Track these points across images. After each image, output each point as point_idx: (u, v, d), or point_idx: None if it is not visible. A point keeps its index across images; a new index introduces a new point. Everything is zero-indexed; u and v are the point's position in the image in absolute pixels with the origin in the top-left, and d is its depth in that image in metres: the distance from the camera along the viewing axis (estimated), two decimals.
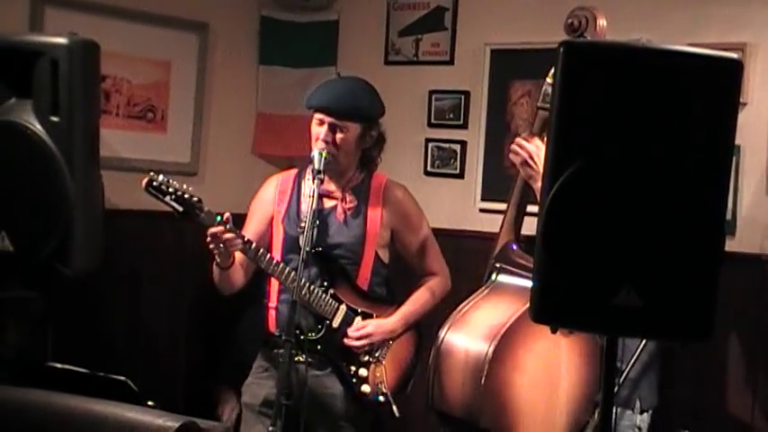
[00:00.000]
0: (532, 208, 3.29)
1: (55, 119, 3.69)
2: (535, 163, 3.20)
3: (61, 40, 3.73)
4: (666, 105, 2.23)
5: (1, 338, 4.13)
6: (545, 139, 3.24)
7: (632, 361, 3.19)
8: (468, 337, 3.18)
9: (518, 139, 3.29)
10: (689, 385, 4.22)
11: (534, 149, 3.22)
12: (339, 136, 3.63)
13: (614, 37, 4.03)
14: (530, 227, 3.35)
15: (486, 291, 3.30)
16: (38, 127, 3.69)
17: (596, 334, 2.98)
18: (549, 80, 3.22)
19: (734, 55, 2.27)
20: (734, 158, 3.95)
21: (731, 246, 4.15)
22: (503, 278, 3.31)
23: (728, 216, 4.08)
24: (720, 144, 2.24)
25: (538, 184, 3.19)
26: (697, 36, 4.19)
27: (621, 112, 2.24)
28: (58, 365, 2.95)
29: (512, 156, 3.29)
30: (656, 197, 2.21)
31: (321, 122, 3.64)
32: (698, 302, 2.22)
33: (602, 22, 3.19)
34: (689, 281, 2.21)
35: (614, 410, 2.50)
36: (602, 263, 2.23)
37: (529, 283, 3.19)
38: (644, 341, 3.08)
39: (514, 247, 3.34)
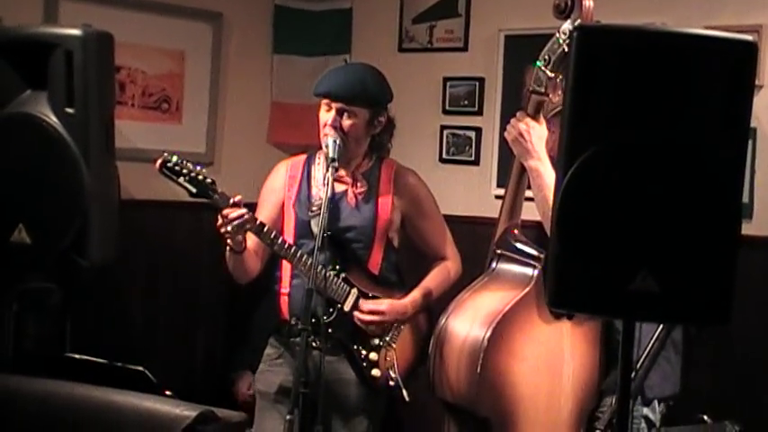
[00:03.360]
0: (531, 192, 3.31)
1: (70, 110, 3.70)
2: (525, 140, 3.18)
3: (75, 32, 3.73)
4: (681, 89, 2.22)
5: (20, 330, 4.15)
6: (540, 120, 3.24)
7: (647, 350, 3.17)
8: (465, 324, 3.18)
9: (512, 119, 3.27)
10: (707, 372, 4.21)
11: (525, 127, 3.19)
12: (347, 122, 3.62)
13: (629, 20, 4.04)
14: (529, 211, 3.37)
15: (486, 278, 3.29)
16: (53, 119, 3.70)
17: (609, 319, 2.98)
18: (539, 64, 3.20)
19: (749, 37, 2.25)
20: (749, 141, 3.92)
21: (748, 229, 4.13)
22: (502, 265, 3.30)
23: (745, 199, 4.06)
24: (736, 127, 2.23)
25: (528, 162, 3.17)
26: (712, 18, 4.17)
27: (636, 97, 2.23)
28: (77, 356, 2.97)
29: (505, 134, 3.28)
30: (672, 181, 2.20)
31: (329, 108, 3.64)
32: (715, 286, 2.21)
33: (588, 2, 3.16)
34: (706, 265, 2.20)
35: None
36: (618, 248, 2.22)
37: (527, 270, 3.23)
38: (658, 328, 3.05)
39: (515, 232, 3.32)
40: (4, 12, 4.32)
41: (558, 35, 3.16)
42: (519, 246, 3.31)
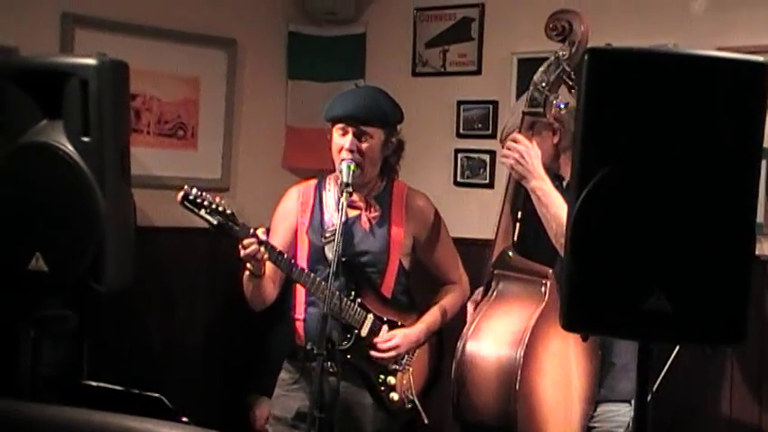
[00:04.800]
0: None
1: (86, 139, 3.72)
2: (527, 162, 3.20)
3: (90, 61, 3.76)
4: (694, 110, 2.22)
5: (37, 357, 4.16)
6: (532, 141, 3.26)
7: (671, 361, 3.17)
8: (492, 345, 3.16)
9: (508, 142, 3.30)
10: (719, 388, 4.20)
11: (524, 148, 3.22)
12: (365, 144, 3.63)
13: (641, 42, 4.05)
14: None
15: (492, 299, 3.28)
16: (69, 147, 3.72)
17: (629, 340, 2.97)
18: (535, 84, 3.24)
19: (760, 58, 2.26)
20: (763, 161, 3.91)
21: (763, 249, 4.13)
22: (505, 284, 3.30)
23: (759, 218, 4.05)
24: (748, 147, 2.23)
25: (531, 183, 3.20)
26: (724, 40, 4.17)
27: (648, 118, 2.23)
28: (94, 383, 2.98)
29: (502, 159, 3.30)
30: (685, 202, 2.20)
31: (344, 132, 3.64)
32: (730, 306, 2.20)
33: (583, 26, 3.21)
34: (720, 284, 2.20)
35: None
36: (632, 268, 2.22)
37: (534, 286, 3.24)
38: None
39: (511, 253, 3.33)
40: (21, 41, 4.36)
41: (553, 57, 3.22)
42: (520, 264, 3.31)
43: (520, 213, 3.30)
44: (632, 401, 3.23)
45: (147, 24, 4.87)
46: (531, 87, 3.27)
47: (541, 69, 3.26)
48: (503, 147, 3.37)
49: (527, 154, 3.21)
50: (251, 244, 3.47)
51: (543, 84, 3.24)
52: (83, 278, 3.75)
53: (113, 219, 3.75)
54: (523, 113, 3.30)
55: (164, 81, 5.01)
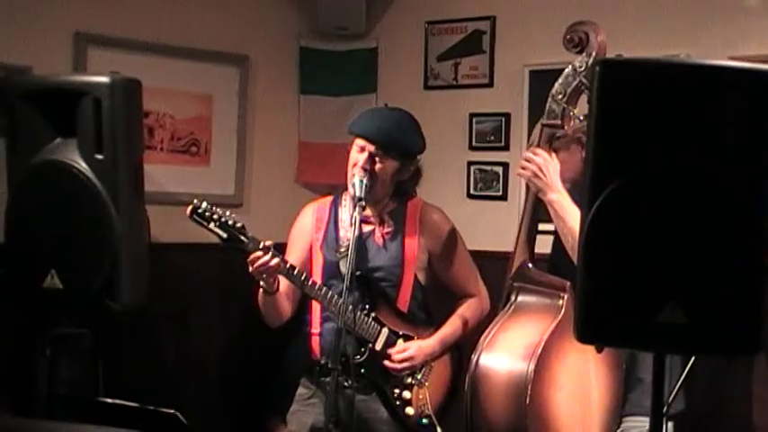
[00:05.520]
0: (545, 226, 3.31)
1: (99, 157, 3.74)
2: (545, 175, 3.21)
3: (103, 80, 3.78)
4: (706, 120, 2.22)
5: (53, 375, 4.17)
6: (551, 154, 3.26)
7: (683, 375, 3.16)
8: (504, 359, 3.16)
9: (526, 154, 3.30)
10: (739, 400, 4.18)
11: (542, 161, 3.23)
12: (378, 166, 3.64)
13: (653, 53, 4.05)
14: (541, 245, 3.37)
15: (509, 312, 3.28)
16: (83, 165, 3.74)
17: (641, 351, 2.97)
18: (553, 96, 3.25)
19: None
20: None
21: None
22: (523, 297, 3.29)
23: None
24: (762, 157, 2.22)
25: (549, 196, 3.21)
26: (736, 49, 4.17)
27: (661, 129, 2.23)
28: (109, 400, 2.98)
29: (520, 171, 3.30)
30: (699, 212, 2.20)
31: (362, 149, 3.65)
32: (744, 317, 2.20)
33: (601, 37, 3.21)
34: (734, 295, 2.19)
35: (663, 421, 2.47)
36: (645, 280, 2.22)
37: (551, 300, 3.23)
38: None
39: (530, 265, 3.33)
40: (34, 60, 4.38)
41: (570, 68, 3.21)
42: (538, 277, 3.30)
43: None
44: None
45: (160, 42, 4.89)
46: (549, 99, 3.28)
47: (559, 81, 3.26)
48: None
49: (545, 167, 3.21)
50: (259, 257, 3.47)
51: (560, 96, 3.24)
52: (97, 295, 3.77)
53: (127, 236, 3.76)
54: (542, 125, 3.30)
55: (176, 98, 5.02)
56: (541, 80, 4.88)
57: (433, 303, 3.88)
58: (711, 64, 2.27)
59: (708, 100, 2.22)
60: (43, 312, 4.09)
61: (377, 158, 3.64)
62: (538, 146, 3.28)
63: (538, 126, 3.36)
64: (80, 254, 3.76)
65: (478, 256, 3.93)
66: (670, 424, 3.43)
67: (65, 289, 3.79)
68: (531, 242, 3.37)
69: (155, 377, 4.75)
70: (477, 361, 3.19)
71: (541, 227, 3.35)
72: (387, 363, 3.66)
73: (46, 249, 3.82)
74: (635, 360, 3.30)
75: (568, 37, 3.25)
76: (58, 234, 3.78)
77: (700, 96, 2.22)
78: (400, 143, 3.67)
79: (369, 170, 3.62)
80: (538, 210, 3.33)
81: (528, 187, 3.33)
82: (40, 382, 4.15)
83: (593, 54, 3.19)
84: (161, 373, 4.87)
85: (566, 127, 3.24)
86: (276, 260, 3.50)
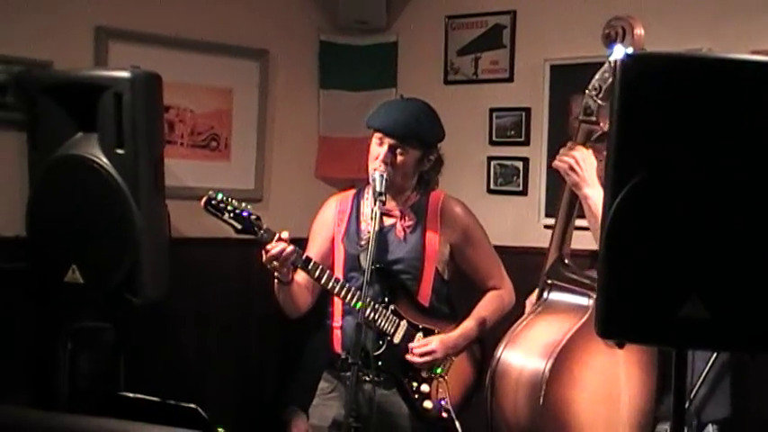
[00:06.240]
0: (581, 222, 3.30)
1: (120, 151, 3.76)
2: (581, 168, 3.19)
3: (124, 74, 3.80)
4: (728, 114, 2.20)
5: (75, 369, 4.20)
6: (589, 150, 3.25)
7: (702, 375, 3.14)
8: (523, 356, 3.15)
9: (562, 149, 3.28)
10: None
11: (579, 155, 3.21)
12: (399, 158, 3.64)
13: (675, 47, 4.03)
14: (579, 241, 3.36)
15: (539, 308, 3.27)
16: (103, 160, 3.76)
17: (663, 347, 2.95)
18: (588, 92, 3.23)
19: None
20: None
21: None
22: (555, 295, 3.28)
23: None
24: None
25: (583, 191, 3.19)
26: (759, 43, 4.14)
27: (682, 123, 2.22)
28: (130, 395, 2.99)
29: (556, 163, 3.28)
30: (720, 207, 2.18)
31: (381, 143, 3.65)
32: (766, 312, 2.18)
33: (639, 31, 3.17)
34: (756, 290, 2.18)
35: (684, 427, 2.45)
36: (667, 275, 2.21)
37: (581, 299, 3.20)
38: (712, 353, 3.03)
39: (565, 261, 3.31)
40: (55, 55, 4.40)
41: (607, 64, 3.18)
42: (571, 275, 3.29)
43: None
44: (695, 422, 3.21)
45: (180, 36, 4.90)
46: (586, 95, 3.25)
47: (596, 77, 3.24)
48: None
49: (581, 161, 3.20)
50: (274, 249, 3.47)
51: (596, 92, 3.21)
52: (118, 290, 3.78)
53: (148, 230, 3.78)
54: (579, 121, 3.28)
55: (197, 92, 5.03)
56: (562, 75, 4.89)
57: (458, 297, 3.87)
58: (734, 58, 2.25)
59: (730, 94, 2.20)
60: (64, 306, 4.11)
61: (398, 151, 3.63)
62: (575, 141, 3.27)
63: (576, 122, 3.34)
64: (101, 248, 3.78)
65: (499, 251, 3.92)
66: (712, 427, 3.40)
67: (85, 283, 3.81)
68: (566, 238, 3.35)
69: (175, 371, 4.76)
70: (500, 357, 3.18)
71: (578, 222, 3.33)
72: (408, 356, 3.66)
73: (67, 244, 3.84)
74: (671, 364, 3.26)
75: (606, 32, 3.21)
76: (78, 229, 3.80)
77: (722, 90, 2.20)
78: (419, 133, 3.66)
79: (389, 163, 3.62)
80: (573, 205, 3.31)
81: (565, 183, 3.30)
82: (61, 376, 4.17)
83: (630, 49, 3.13)
84: (181, 368, 4.88)
85: (601, 124, 3.21)
86: (290, 248, 3.50)
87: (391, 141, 3.63)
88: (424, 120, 3.70)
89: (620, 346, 2.37)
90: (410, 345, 3.67)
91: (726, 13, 4.40)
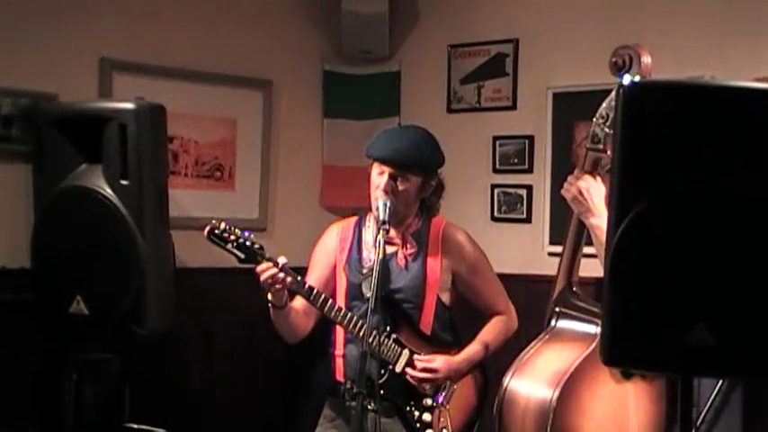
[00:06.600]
0: (589, 249, 3.30)
1: (124, 182, 3.77)
2: (585, 198, 3.19)
3: (128, 106, 3.81)
4: (731, 142, 2.20)
5: (80, 400, 4.19)
6: (596, 177, 3.25)
7: (707, 404, 3.13)
8: (531, 384, 3.14)
9: (570, 177, 3.29)
10: None
11: (584, 185, 3.21)
12: (400, 187, 3.64)
13: (678, 74, 4.03)
14: (586, 268, 3.36)
15: (547, 336, 3.27)
16: (108, 191, 3.77)
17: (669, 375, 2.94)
18: (596, 120, 3.23)
19: None
20: None
21: None
22: (563, 323, 3.28)
23: None
24: None
25: (590, 220, 3.18)
26: (760, 70, 4.15)
27: (686, 150, 2.22)
28: (135, 426, 2.99)
29: (563, 192, 3.29)
30: (725, 234, 2.18)
31: (381, 172, 3.66)
32: None
33: (646, 59, 3.18)
34: (763, 316, 2.17)
35: None
36: (673, 301, 2.20)
37: (589, 328, 3.20)
38: (719, 382, 3.01)
39: (573, 289, 3.31)
40: (60, 87, 4.42)
41: (615, 92, 3.18)
42: (579, 303, 3.29)
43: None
44: None
45: (184, 67, 4.92)
46: (593, 123, 3.26)
47: (603, 105, 3.24)
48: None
49: (586, 190, 3.20)
50: (268, 268, 3.47)
51: (603, 120, 3.21)
52: (123, 320, 3.78)
53: (153, 261, 3.78)
54: (586, 149, 3.28)
55: (201, 123, 5.05)
56: (564, 102, 4.90)
57: (461, 323, 3.86)
58: (736, 86, 2.25)
59: (733, 122, 2.20)
60: (69, 337, 4.11)
61: (399, 179, 3.64)
62: (582, 169, 3.27)
63: (584, 150, 3.34)
64: (106, 279, 3.78)
65: (504, 279, 3.92)
66: None
67: (91, 314, 3.81)
68: (574, 266, 3.35)
69: (180, 402, 4.75)
70: (507, 385, 3.18)
71: (586, 249, 3.33)
72: (408, 370, 3.64)
73: (72, 275, 3.85)
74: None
75: (613, 60, 3.22)
76: (83, 259, 3.81)
77: (725, 118, 2.20)
78: (419, 161, 3.67)
79: (391, 192, 3.62)
80: (581, 233, 3.31)
81: (572, 211, 3.30)
82: (67, 407, 4.16)
83: (637, 77, 3.14)
84: (187, 398, 4.87)
85: (608, 152, 3.21)
86: (290, 277, 3.50)
87: (391, 170, 3.63)
88: (423, 147, 3.71)
89: (628, 377, 2.37)
90: (414, 357, 3.66)
91: (730, 40, 4.41)
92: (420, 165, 3.67)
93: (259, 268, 3.48)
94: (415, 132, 3.78)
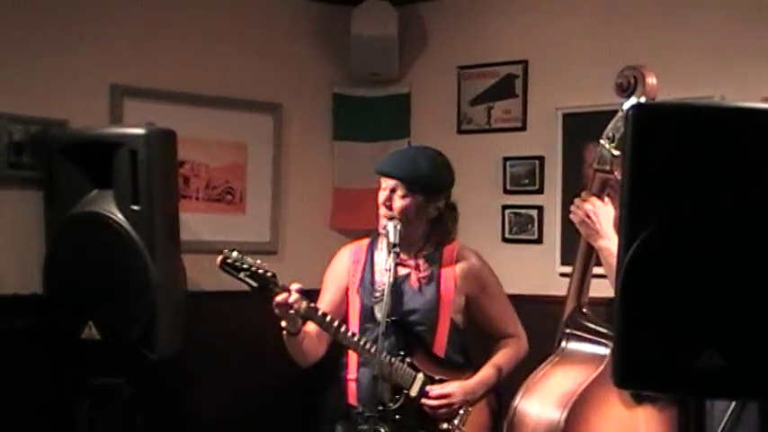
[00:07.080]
0: (599, 270, 3.29)
1: (135, 208, 3.78)
2: (593, 221, 3.19)
3: (139, 131, 3.83)
4: (741, 163, 2.20)
5: (92, 425, 4.19)
6: (604, 199, 3.24)
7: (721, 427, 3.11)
8: (540, 405, 3.13)
9: (576, 199, 3.28)
10: None
11: (591, 208, 3.21)
12: (398, 202, 3.63)
13: (686, 94, 4.04)
14: (596, 288, 3.35)
15: (556, 358, 3.26)
16: (119, 216, 3.79)
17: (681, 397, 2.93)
18: (602, 141, 3.23)
19: None
20: None
21: None
22: (573, 344, 3.27)
23: None
24: None
25: (598, 243, 3.18)
26: None
27: (695, 172, 2.21)
28: None
29: (571, 215, 3.28)
30: (735, 256, 2.17)
31: (385, 188, 3.67)
32: None
33: (651, 80, 3.17)
34: None
35: None
36: (683, 324, 2.19)
37: (598, 349, 3.19)
38: (731, 405, 2.99)
39: (583, 310, 3.30)
40: (71, 113, 4.44)
41: (621, 113, 3.18)
42: (589, 324, 3.28)
43: None
44: None
45: (194, 92, 4.94)
46: (600, 144, 3.25)
47: (609, 126, 3.23)
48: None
49: (593, 213, 3.19)
50: (284, 298, 3.47)
51: (609, 141, 3.21)
52: (135, 346, 3.79)
53: (164, 286, 3.79)
54: (593, 171, 3.28)
55: (211, 147, 5.06)
56: (574, 123, 4.90)
57: (473, 345, 3.86)
58: (744, 106, 2.25)
59: (743, 142, 2.20)
60: (81, 363, 4.11)
61: (397, 194, 3.64)
62: (590, 191, 3.27)
63: (590, 171, 3.34)
64: (117, 304, 3.79)
65: (514, 300, 3.92)
66: None
67: (102, 340, 3.82)
68: (584, 287, 3.35)
69: (192, 426, 4.75)
70: (516, 406, 3.17)
71: (596, 270, 3.33)
72: (424, 400, 3.63)
73: (83, 300, 3.86)
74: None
75: (618, 81, 3.21)
76: (95, 285, 3.82)
77: (735, 139, 2.20)
78: (417, 177, 3.66)
79: (389, 207, 3.63)
80: (590, 254, 3.30)
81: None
82: None
83: (642, 98, 3.14)
84: (198, 422, 4.86)
85: (615, 173, 3.21)
86: (303, 303, 3.50)
87: (391, 184, 3.65)
88: (423, 164, 3.70)
89: (639, 400, 2.36)
90: (427, 387, 3.65)
91: (738, 60, 4.41)
92: (419, 181, 3.66)
93: (278, 299, 3.48)
94: (424, 151, 3.80)
